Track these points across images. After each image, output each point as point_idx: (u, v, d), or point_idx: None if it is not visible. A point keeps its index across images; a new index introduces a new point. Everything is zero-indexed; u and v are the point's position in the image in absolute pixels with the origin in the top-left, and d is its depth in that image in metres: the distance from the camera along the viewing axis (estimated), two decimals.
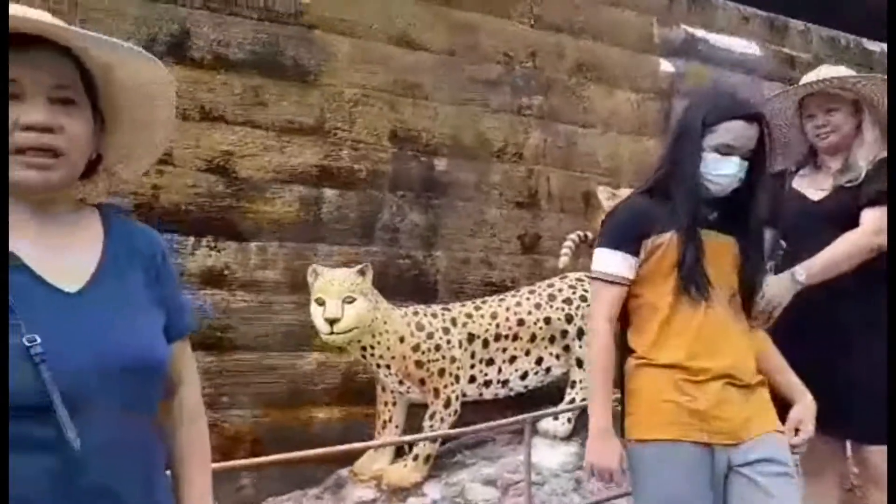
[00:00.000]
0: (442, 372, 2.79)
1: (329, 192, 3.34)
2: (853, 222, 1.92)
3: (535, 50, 4.07)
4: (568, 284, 3.16)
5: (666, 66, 4.52)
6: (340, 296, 2.60)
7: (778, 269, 1.93)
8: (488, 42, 3.93)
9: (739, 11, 5.03)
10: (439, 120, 3.70)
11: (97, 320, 0.90)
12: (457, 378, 2.84)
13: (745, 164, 1.63)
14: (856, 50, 5.54)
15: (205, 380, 2.86)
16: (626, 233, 1.63)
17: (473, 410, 2.96)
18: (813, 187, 2.08)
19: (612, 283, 1.62)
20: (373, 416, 3.00)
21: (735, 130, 1.60)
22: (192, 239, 2.96)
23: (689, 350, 1.57)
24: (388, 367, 2.79)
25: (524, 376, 3.03)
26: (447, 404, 2.81)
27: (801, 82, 2.12)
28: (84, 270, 0.93)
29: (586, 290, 3.13)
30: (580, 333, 3.06)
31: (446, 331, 2.85)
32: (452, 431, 2.69)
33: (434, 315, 2.88)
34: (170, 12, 3.12)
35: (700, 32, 4.78)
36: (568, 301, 3.10)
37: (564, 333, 3.07)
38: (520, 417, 2.52)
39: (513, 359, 2.99)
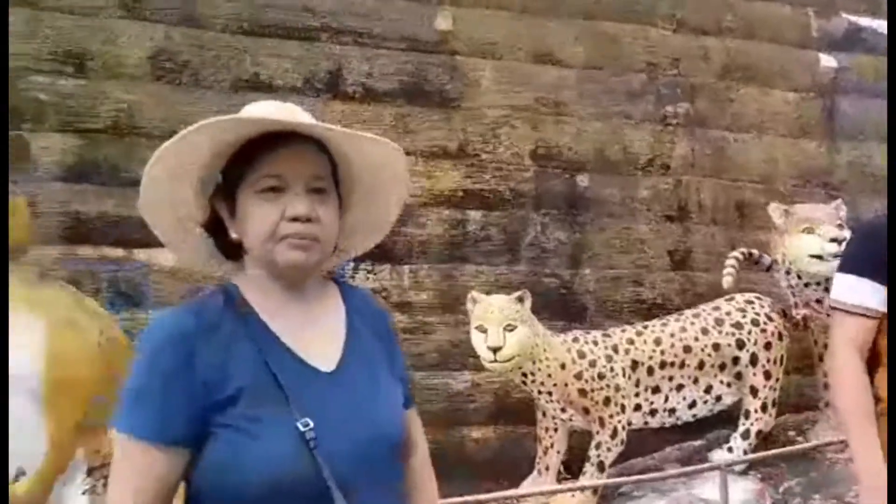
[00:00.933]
0: (607, 401, 2.72)
1: (474, 214, 3.37)
2: None
3: (679, 56, 3.88)
4: (736, 307, 2.99)
5: (826, 60, 4.15)
6: (501, 323, 2.61)
7: None
8: (630, 52, 3.80)
9: None
10: (582, 135, 3.62)
11: (354, 400, 0.92)
12: (622, 407, 2.76)
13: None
14: None
15: None
16: (874, 258, 1.37)
17: (638, 438, 2.88)
18: None
19: (855, 314, 1.40)
20: (527, 435, 2.98)
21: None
22: (351, 263, 3.09)
23: None
24: (549, 393, 2.76)
25: (692, 405, 2.89)
26: (614, 434, 2.74)
27: None
28: (334, 348, 0.96)
29: (757, 314, 2.97)
30: (753, 360, 2.89)
31: (609, 358, 2.78)
32: (645, 477, 2.61)
33: (595, 342, 2.82)
34: (324, 51, 3.29)
35: (864, 20, 4.34)
36: (738, 326, 2.93)
37: (736, 360, 2.90)
38: (714, 464, 2.41)
39: (680, 387, 2.86)
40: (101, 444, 1.82)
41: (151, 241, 2.97)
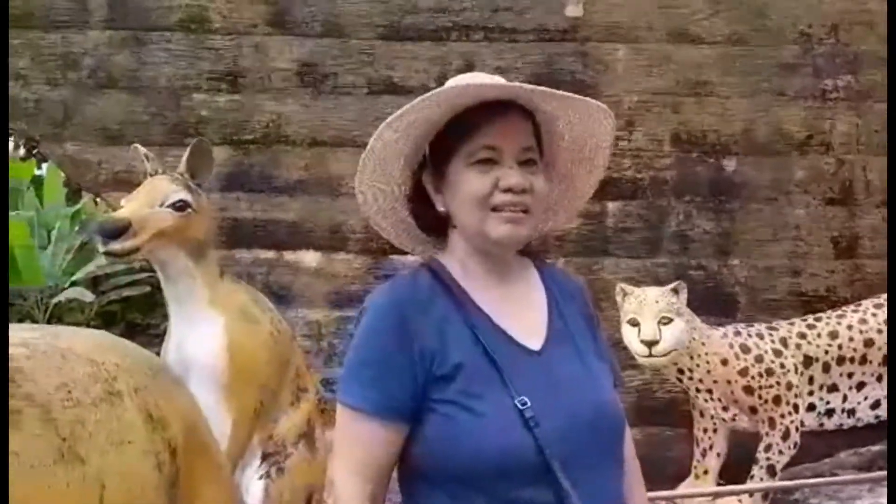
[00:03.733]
0: (777, 400, 2.43)
1: (612, 205, 3.15)
2: None
3: (838, 22, 3.40)
4: None
5: None
6: (656, 317, 2.40)
7: None
8: (779, 21, 3.38)
9: None
10: (726, 116, 3.28)
11: (565, 379, 0.89)
12: (795, 407, 2.45)
13: None
14: None
15: None
16: None
17: (811, 441, 2.54)
18: None
19: None
20: (674, 437, 2.74)
21: None
22: None
23: None
24: (709, 391, 2.51)
25: (876, 405, 2.52)
26: (786, 436, 2.43)
27: None
28: (539, 326, 0.92)
29: None
30: None
31: (777, 353, 2.48)
32: (821, 481, 2.31)
33: (760, 335, 2.53)
34: (456, 49, 3.20)
35: None
36: None
37: None
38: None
39: (861, 385, 2.51)
40: (274, 431, 1.87)
41: (298, 244, 3.05)
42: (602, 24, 3.26)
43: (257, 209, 2.91)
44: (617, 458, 0.91)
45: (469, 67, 3.19)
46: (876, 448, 2.69)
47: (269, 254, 2.80)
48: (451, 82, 0.92)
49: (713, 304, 3.06)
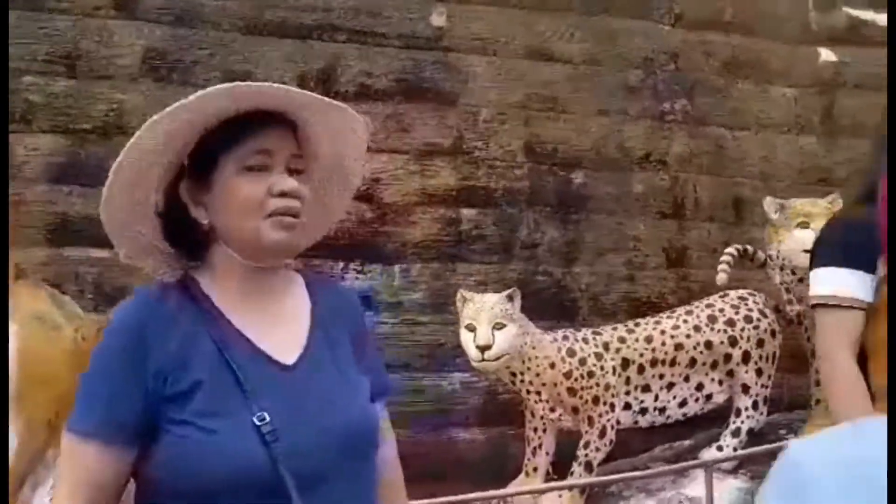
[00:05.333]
0: (596, 400, 2.57)
1: (467, 212, 3.20)
2: None
3: (678, 51, 3.66)
4: (730, 304, 2.81)
5: (827, 55, 3.91)
6: (491, 322, 2.47)
7: None
8: (627, 47, 3.59)
9: None
10: (577, 132, 3.43)
11: (317, 393, 0.87)
12: (612, 406, 2.60)
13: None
14: None
15: None
16: (859, 246, 1.26)
17: (627, 438, 2.71)
18: None
19: (844, 307, 1.27)
20: (516, 436, 2.83)
21: None
22: (341, 263, 2.95)
23: None
24: (538, 393, 2.61)
25: (683, 403, 2.73)
26: (602, 434, 2.58)
27: None
28: (296, 340, 0.89)
29: (750, 310, 2.80)
30: (745, 357, 2.73)
31: (599, 356, 2.62)
32: (630, 475, 2.45)
33: (585, 340, 2.66)
34: (319, 49, 3.13)
35: (866, 14, 4.09)
36: (731, 323, 2.75)
37: (728, 358, 2.74)
38: (698, 462, 2.24)
39: (671, 385, 2.70)
40: None
41: None
42: (464, 35, 3.31)
43: (91, 204, 2.68)
44: (368, 473, 0.90)
45: (331, 69, 3.14)
46: (687, 443, 2.93)
47: (103, 253, 2.59)
48: (211, 89, 0.88)
49: (557, 308, 3.20)
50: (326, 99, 0.92)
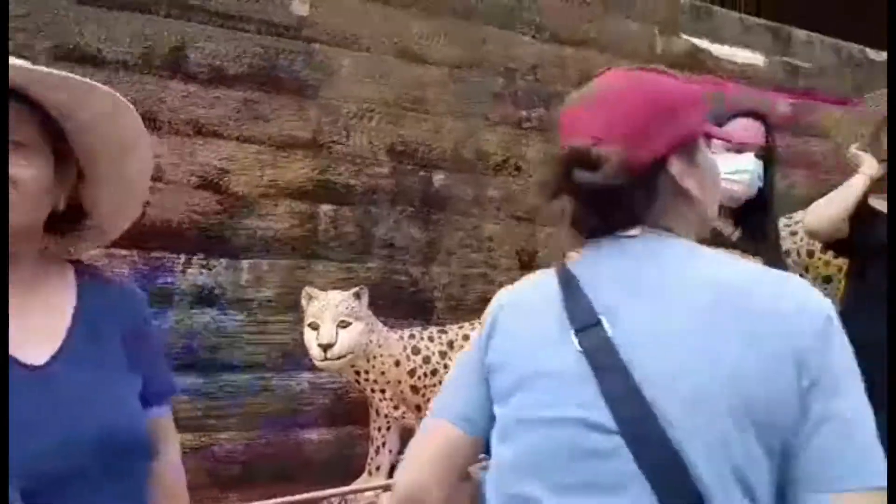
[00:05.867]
0: None
1: (325, 208, 3.12)
2: None
3: (538, 62, 3.81)
4: None
5: None
6: (335, 320, 2.40)
7: None
8: (492, 54, 3.68)
9: (741, 21, 4.73)
10: (440, 134, 3.46)
11: (69, 393, 0.80)
12: None
13: (760, 162, 1.43)
14: (861, 58, 5.21)
15: (194, 402, 2.66)
16: None
17: None
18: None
19: None
20: (364, 435, 2.79)
21: (744, 125, 1.43)
22: (182, 257, 2.75)
23: None
24: (382, 391, 2.58)
25: None
26: None
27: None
28: (51, 338, 0.82)
29: None
30: None
31: (443, 354, 2.64)
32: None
33: (431, 338, 2.67)
34: (166, 26, 2.90)
35: (703, 42, 4.49)
36: None
37: None
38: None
39: None
40: None
41: None
42: (329, 27, 3.22)
43: None
44: (133, 474, 0.84)
45: (180, 49, 2.92)
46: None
47: None
48: None
49: (414, 308, 3.21)
50: (60, 74, 0.82)
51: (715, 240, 1.44)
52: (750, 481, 0.66)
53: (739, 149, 1.43)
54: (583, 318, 0.76)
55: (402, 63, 3.40)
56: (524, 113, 3.71)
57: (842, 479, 0.65)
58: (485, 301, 3.60)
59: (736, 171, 1.41)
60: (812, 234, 1.88)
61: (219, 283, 2.80)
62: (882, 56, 5.27)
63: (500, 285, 3.61)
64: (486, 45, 3.64)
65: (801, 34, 5.04)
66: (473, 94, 3.58)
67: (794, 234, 3.03)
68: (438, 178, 3.43)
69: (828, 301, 0.73)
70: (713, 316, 0.70)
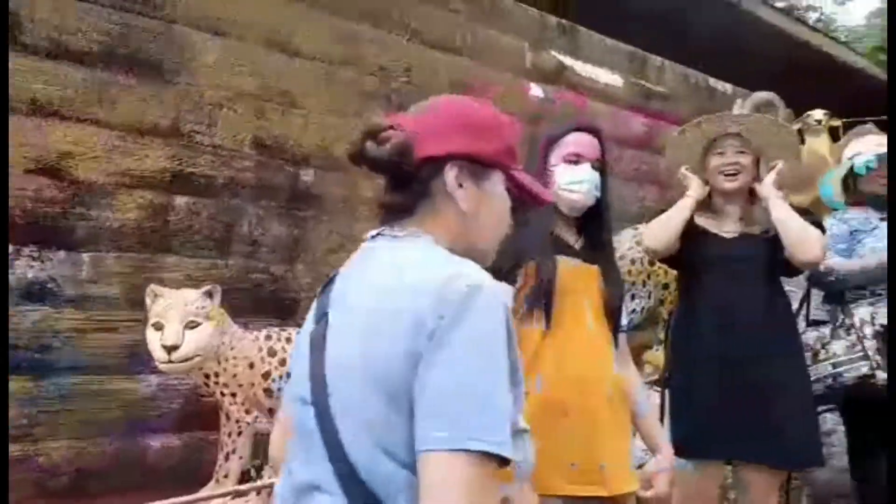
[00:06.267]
0: None
1: (181, 200, 2.94)
2: (767, 266, 1.92)
3: (411, 64, 3.84)
4: None
5: (535, 90, 4.45)
6: (182, 320, 2.26)
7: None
8: (366, 53, 3.66)
9: (605, 43, 5.06)
10: (310, 130, 3.39)
11: None
12: None
13: (597, 174, 1.53)
14: (704, 87, 5.77)
15: (19, 408, 2.41)
16: (505, 262, 1.47)
17: None
18: (718, 228, 2.01)
19: None
20: (214, 441, 2.65)
21: (580, 139, 1.54)
22: (12, 247, 2.47)
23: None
24: (233, 395, 2.47)
25: None
26: None
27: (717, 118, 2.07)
28: None
29: None
30: None
31: None
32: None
33: (289, 339, 2.59)
34: None
35: (569, 60, 4.76)
36: None
37: None
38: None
39: None
40: None
41: None
42: (192, 8, 3.04)
43: None
44: None
45: (14, 17, 2.63)
46: None
47: None
48: None
49: (275, 308, 3.11)
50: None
51: (560, 250, 1.52)
52: (386, 442, 0.74)
53: (576, 161, 1.52)
54: (321, 309, 0.91)
55: (272, 53, 3.29)
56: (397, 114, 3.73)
57: (435, 440, 0.70)
58: None
59: (573, 181, 1.50)
60: (648, 252, 2.06)
61: (53, 277, 2.54)
62: (721, 85, 5.86)
63: None
64: (360, 42, 3.61)
65: (655, 60, 5.49)
66: (346, 92, 3.54)
67: (639, 243, 3.28)
68: (307, 174, 3.36)
69: (480, 280, 0.77)
70: (376, 310, 0.80)
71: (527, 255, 1.51)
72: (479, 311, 0.75)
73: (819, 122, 4.64)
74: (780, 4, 11.11)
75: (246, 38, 3.20)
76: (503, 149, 0.92)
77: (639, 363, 2.46)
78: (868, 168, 2.31)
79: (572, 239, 1.56)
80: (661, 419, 1.95)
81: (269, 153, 3.22)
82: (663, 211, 2.06)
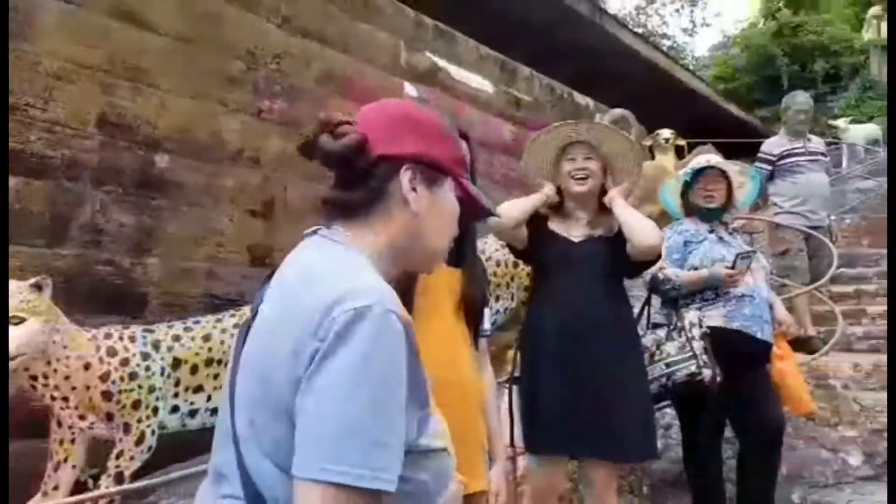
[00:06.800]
0: (137, 404, 2.29)
1: (12, 181, 2.61)
2: (610, 268, 2.04)
3: (282, 52, 3.70)
4: None
5: (410, 89, 4.45)
6: None
7: None
8: (231, 34, 3.46)
9: (478, 49, 5.19)
10: (166, 111, 3.14)
11: None
12: (154, 410, 2.35)
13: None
14: (568, 100, 6.09)
15: None
16: None
17: (174, 443, 2.49)
18: (568, 232, 2.11)
19: None
20: (44, 451, 2.36)
21: None
22: None
23: None
24: (65, 399, 2.21)
25: None
26: (140, 440, 2.31)
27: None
28: None
29: None
30: None
31: (146, 356, 2.36)
32: (156, 481, 2.17)
33: (132, 338, 2.37)
34: None
35: (443, 62, 4.82)
36: None
37: None
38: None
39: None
40: None
41: None
42: None
43: None
44: None
45: None
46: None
47: None
48: None
49: (120, 303, 2.84)
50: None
51: None
52: (268, 448, 0.75)
53: None
54: (257, 301, 0.86)
55: (124, 26, 3.02)
56: (266, 103, 3.57)
57: (298, 466, 0.71)
58: (209, 298, 3.37)
59: None
60: (493, 226, 2.09)
61: None
62: (584, 100, 6.23)
63: (229, 283, 3.41)
64: (225, 24, 3.42)
65: (525, 70, 5.72)
66: (208, 75, 3.33)
67: (504, 246, 3.39)
68: (162, 160, 3.11)
69: (372, 302, 0.74)
70: (279, 316, 0.79)
71: None
72: (359, 337, 0.72)
73: (667, 140, 5.09)
74: (638, 30, 12.08)
75: (92, 6, 2.91)
76: (455, 157, 0.93)
77: (504, 362, 2.52)
78: (687, 182, 2.52)
79: None
80: (511, 416, 1.99)
81: (116, 133, 2.95)
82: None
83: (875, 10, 7.52)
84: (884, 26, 7.14)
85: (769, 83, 11.05)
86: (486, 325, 1.64)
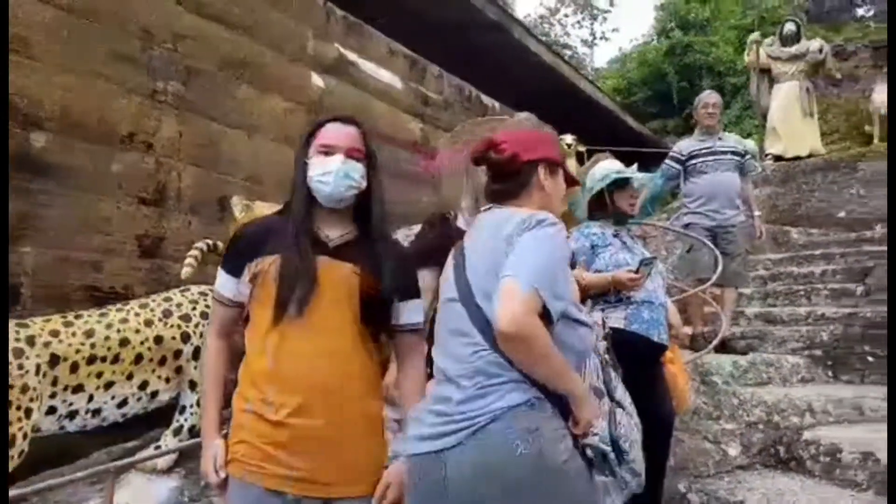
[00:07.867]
0: (8, 405, 2.11)
1: None
2: None
3: (182, 32, 3.52)
4: (189, 299, 2.69)
5: (317, 80, 4.38)
6: None
7: None
8: (127, 11, 3.26)
9: (388, 45, 5.18)
10: (48, 88, 2.91)
11: None
12: (28, 412, 2.17)
13: (354, 165, 1.48)
14: (476, 101, 6.20)
15: None
16: (232, 253, 1.52)
17: (49, 445, 2.32)
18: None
19: (217, 301, 1.53)
20: None
21: (333, 129, 1.50)
22: None
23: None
24: None
25: (123, 403, 2.48)
26: (11, 444, 2.12)
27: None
28: None
29: (208, 306, 2.70)
30: (196, 353, 2.63)
31: (19, 353, 2.17)
32: (29, 489, 2.00)
33: None
34: None
35: (352, 56, 4.77)
36: (186, 318, 2.64)
37: (178, 354, 2.60)
38: (103, 467, 2.00)
39: (109, 384, 2.43)
40: None
41: None
42: None
43: None
44: None
45: None
46: (129, 444, 2.72)
47: None
48: None
49: None
50: None
51: (314, 245, 1.45)
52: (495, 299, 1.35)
53: (328, 152, 1.46)
54: (461, 247, 1.47)
55: None
56: (160, 84, 3.38)
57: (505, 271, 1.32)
58: (92, 289, 3.16)
59: (324, 172, 1.44)
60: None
61: None
62: (490, 101, 6.37)
63: (115, 275, 3.21)
64: None
65: (434, 69, 5.76)
66: (99, 51, 3.12)
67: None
68: (40, 139, 2.88)
69: (541, 217, 1.37)
70: (491, 235, 1.41)
71: (273, 249, 1.46)
72: (537, 228, 1.36)
73: (570, 145, 5.29)
74: (543, 38, 12.50)
75: None
76: (561, 155, 1.56)
77: None
78: (609, 186, 2.64)
79: (333, 234, 1.48)
80: None
81: None
82: (440, 212, 2.13)
83: (754, 35, 8.20)
84: (762, 51, 7.79)
85: (661, 98, 11.78)
86: (418, 318, 1.57)
